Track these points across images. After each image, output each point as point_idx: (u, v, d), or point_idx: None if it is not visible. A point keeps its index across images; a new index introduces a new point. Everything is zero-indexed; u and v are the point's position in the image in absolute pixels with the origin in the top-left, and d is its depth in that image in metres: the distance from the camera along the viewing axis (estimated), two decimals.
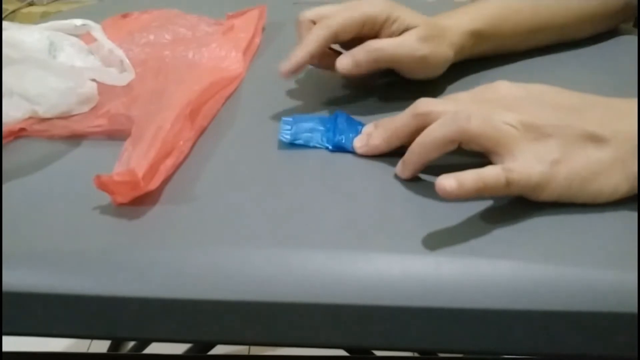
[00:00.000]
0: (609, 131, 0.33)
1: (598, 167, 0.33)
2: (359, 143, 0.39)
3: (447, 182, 0.31)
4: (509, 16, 0.51)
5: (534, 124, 0.33)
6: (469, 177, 0.31)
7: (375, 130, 0.39)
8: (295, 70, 0.44)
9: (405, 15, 0.44)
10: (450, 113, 0.34)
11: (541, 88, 0.36)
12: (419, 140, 0.35)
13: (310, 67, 0.50)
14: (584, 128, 0.33)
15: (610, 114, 0.34)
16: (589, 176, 0.33)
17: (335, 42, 0.45)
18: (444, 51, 0.46)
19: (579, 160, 0.33)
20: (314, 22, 0.45)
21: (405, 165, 0.36)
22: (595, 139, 0.33)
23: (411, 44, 0.44)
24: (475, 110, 0.34)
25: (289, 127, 0.41)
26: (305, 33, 0.45)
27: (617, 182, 0.33)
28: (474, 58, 0.51)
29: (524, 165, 0.32)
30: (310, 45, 0.44)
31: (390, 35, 0.44)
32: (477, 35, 0.49)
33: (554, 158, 0.33)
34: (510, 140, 0.33)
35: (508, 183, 0.32)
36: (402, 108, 0.37)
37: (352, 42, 0.45)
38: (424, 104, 0.36)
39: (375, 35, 0.45)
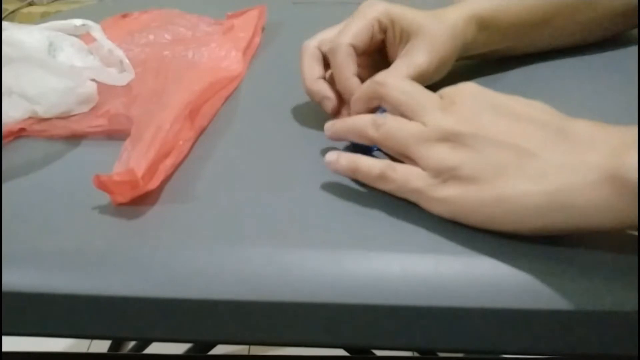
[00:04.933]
0: (556, 161, 0.27)
1: (522, 203, 0.28)
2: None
3: (330, 154, 0.35)
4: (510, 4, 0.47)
5: (455, 130, 0.30)
6: (347, 156, 0.34)
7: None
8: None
9: (404, 18, 0.42)
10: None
11: (518, 102, 0.31)
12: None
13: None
14: (525, 148, 0.28)
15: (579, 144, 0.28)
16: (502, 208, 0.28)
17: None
18: (449, 50, 0.43)
19: (495, 188, 0.28)
20: (320, 49, 0.43)
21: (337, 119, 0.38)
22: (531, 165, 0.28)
23: (420, 68, 0.41)
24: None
25: None
26: (311, 61, 0.43)
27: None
28: (478, 56, 0.49)
29: (408, 169, 0.32)
30: (347, 71, 0.40)
31: (394, 40, 0.43)
32: (480, 23, 0.46)
33: (456, 174, 0.29)
34: (415, 140, 0.31)
35: (382, 178, 0.32)
36: None
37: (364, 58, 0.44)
38: (381, 74, 0.37)
39: (382, 43, 0.43)
